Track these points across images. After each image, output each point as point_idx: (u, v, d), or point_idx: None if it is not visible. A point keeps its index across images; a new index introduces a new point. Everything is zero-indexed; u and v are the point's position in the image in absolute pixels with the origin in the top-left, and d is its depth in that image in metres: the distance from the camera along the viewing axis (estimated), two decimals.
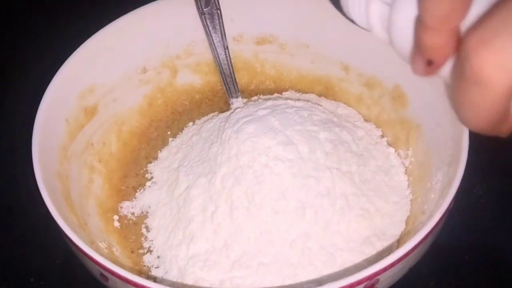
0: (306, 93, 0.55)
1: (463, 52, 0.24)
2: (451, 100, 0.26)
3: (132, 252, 0.46)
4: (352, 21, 0.34)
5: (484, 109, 0.24)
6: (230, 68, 0.53)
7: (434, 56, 0.27)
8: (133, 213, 0.48)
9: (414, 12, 0.27)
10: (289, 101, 0.50)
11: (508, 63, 0.22)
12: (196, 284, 0.42)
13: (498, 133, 0.27)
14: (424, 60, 0.27)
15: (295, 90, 0.56)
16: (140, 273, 0.45)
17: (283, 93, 0.55)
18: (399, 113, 0.50)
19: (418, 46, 0.27)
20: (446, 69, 0.27)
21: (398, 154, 0.49)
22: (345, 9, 0.33)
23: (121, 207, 0.49)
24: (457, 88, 0.25)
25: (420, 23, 0.26)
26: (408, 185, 0.47)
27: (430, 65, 0.27)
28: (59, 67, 0.46)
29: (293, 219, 0.42)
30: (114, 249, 0.45)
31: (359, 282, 0.34)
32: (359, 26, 0.34)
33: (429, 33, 0.26)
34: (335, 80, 0.54)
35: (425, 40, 0.26)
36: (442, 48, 0.26)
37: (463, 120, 0.26)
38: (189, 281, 0.42)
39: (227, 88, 0.53)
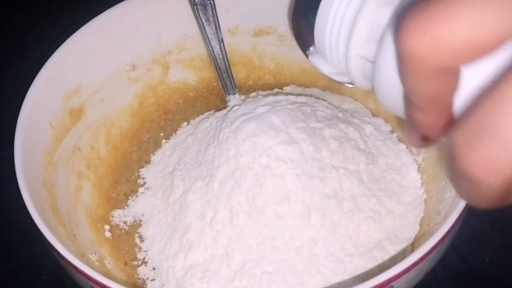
0: (308, 87, 0.55)
1: (451, 147, 0.23)
2: (448, 176, 0.25)
3: (126, 264, 0.46)
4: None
5: (482, 199, 0.24)
6: (226, 62, 0.52)
7: (429, 132, 0.26)
8: (125, 222, 0.48)
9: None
10: (290, 96, 0.50)
11: (497, 165, 0.22)
12: None
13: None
14: (418, 135, 0.27)
15: (297, 85, 0.56)
16: (134, 286, 0.44)
17: (284, 88, 0.55)
18: None
19: (410, 122, 0.27)
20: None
21: (410, 151, 0.49)
22: (322, 58, 0.33)
23: (113, 216, 0.49)
24: (450, 174, 0.24)
25: (408, 101, 0.26)
26: (422, 184, 0.47)
27: (425, 140, 0.27)
28: (42, 67, 0.46)
29: (298, 224, 0.42)
30: (106, 261, 0.45)
31: None
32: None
33: (419, 112, 0.25)
34: None
35: (416, 119, 0.26)
36: (436, 125, 0.26)
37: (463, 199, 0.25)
38: None
39: (223, 85, 0.53)
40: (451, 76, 0.24)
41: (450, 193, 0.42)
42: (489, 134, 0.22)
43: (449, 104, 0.25)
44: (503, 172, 0.22)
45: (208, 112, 0.54)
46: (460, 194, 0.25)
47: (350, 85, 0.32)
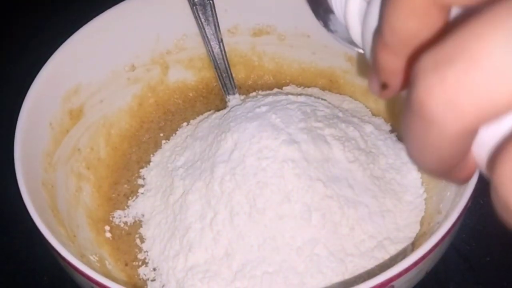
0: (308, 87, 0.55)
1: (412, 74, 0.20)
2: (402, 129, 0.22)
3: (126, 264, 0.46)
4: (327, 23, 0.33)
5: (431, 149, 0.20)
6: (226, 62, 0.53)
7: (389, 81, 0.24)
8: (125, 223, 0.48)
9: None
10: (290, 96, 0.50)
11: (460, 100, 0.18)
12: None
13: (453, 180, 0.23)
14: (379, 81, 0.25)
15: (297, 84, 0.56)
16: (135, 287, 0.45)
17: (284, 88, 0.55)
18: None
19: (373, 64, 0.24)
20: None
21: None
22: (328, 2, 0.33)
23: (113, 217, 0.49)
24: (403, 116, 0.21)
25: (378, 36, 0.23)
26: (422, 183, 0.47)
27: (384, 88, 0.24)
28: (41, 67, 0.47)
29: (298, 224, 0.42)
30: (106, 262, 0.45)
31: None
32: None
33: (386, 52, 0.23)
34: (340, 72, 0.54)
35: (380, 60, 0.23)
36: (398, 74, 0.23)
37: (409, 155, 0.22)
38: None
39: (223, 85, 0.53)
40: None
41: (451, 192, 0.42)
42: (463, 58, 0.18)
43: (419, 53, 0.22)
44: (464, 108, 0.18)
45: (208, 112, 0.54)
46: (407, 147, 0.21)
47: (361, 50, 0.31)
